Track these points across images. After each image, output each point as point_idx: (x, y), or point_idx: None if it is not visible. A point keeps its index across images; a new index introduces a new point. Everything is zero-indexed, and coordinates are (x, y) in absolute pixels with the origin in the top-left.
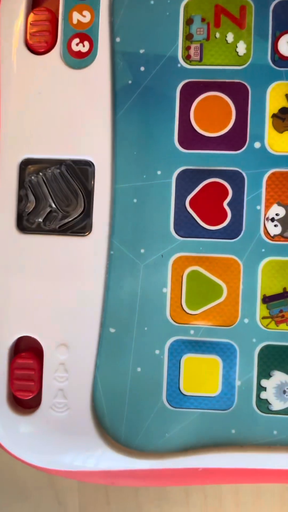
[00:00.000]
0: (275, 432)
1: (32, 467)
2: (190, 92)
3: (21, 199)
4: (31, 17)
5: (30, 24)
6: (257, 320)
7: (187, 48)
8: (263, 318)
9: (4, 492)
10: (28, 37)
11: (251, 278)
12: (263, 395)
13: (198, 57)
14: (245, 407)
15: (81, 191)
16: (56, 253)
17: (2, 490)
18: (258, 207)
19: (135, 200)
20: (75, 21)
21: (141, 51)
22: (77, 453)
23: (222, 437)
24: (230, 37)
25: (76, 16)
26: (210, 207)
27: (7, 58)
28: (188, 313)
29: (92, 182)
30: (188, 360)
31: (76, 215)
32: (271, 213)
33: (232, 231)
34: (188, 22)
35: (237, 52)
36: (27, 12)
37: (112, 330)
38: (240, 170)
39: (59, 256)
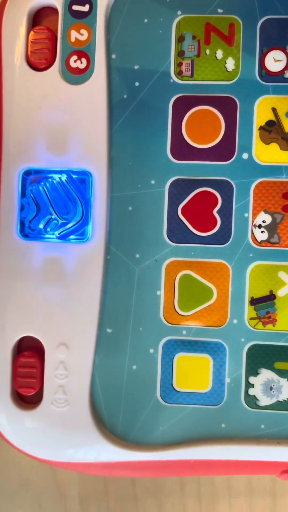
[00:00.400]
0: (262, 426)
1: (34, 459)
2: (182, 106)
3: (23, 207)
4: (32, 35)
5: (31, 42)
6: (245, 321)
7: (179, 64)
8: (251, 319)
9: (8, 484)
10: (29, 55)
11: (239, 281)
12: (251, 391)
13: (189, 73)
14: (234, 403)
15: (79, 200)
16: (56, 258)
17: (6, 482)
18: (246, 215)
19: (130, 208)
20: (73, 39)
21: (136, 67)
22: (76, 446)
23: (212, 431)
24: (219, 54)
25: (74, 35)
26: (201, 215)
27: (9, 74)
28: (180, 315)
29: (90, 191)
30: (181, 358)
31: (75, 222)
32: (258, 220)
33: (222, 237)
34: (180, 39)
35: (226, 68)
36: (28, 30)
37: (109, 330)
38: (229, 180)
39: (59, 261)
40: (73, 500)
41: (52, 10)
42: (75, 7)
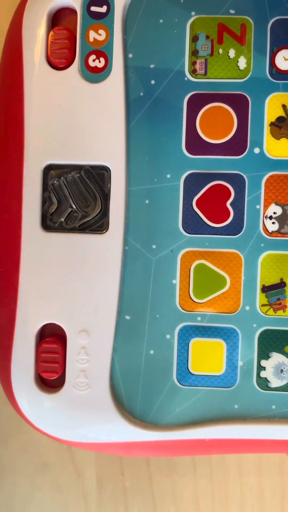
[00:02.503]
0: (273, 406)
1: (53, 442)
2: (196, 103)
3: (45, 201)
4: (51, 35)
5: (51, 42)
6: (257, 308)
7: (193, 63)
8: (263, 305)
9: (27, 467)
10: (49, 54)
11: (251, 270)
12: (263, 374)
13: (203, 71)
14: (247, 385)
15: (98, 193)
16: (77, 249)
17: (26, 465)
18: (257, 207)
19: (147, 201)
20: (91, 39)
21: (152, 66)
22: (97, 427)
23: (226, 412)
24: (232, 53)
25: (92, 35)
26: (215, 207)
27: (30, 73)
28: (195, 302)
29: (109, 185)
30: (196, 343)
31: (94, 215)
32: (269, 211)
33: (235, 228)
34: (194, 39)
35: (238, 67)
36: (47, 31)
37: (127, 317)
38: (241, 173)
39: (80, 252)
40: (90, 481)
41: (71, 11)
42: (93, 8)
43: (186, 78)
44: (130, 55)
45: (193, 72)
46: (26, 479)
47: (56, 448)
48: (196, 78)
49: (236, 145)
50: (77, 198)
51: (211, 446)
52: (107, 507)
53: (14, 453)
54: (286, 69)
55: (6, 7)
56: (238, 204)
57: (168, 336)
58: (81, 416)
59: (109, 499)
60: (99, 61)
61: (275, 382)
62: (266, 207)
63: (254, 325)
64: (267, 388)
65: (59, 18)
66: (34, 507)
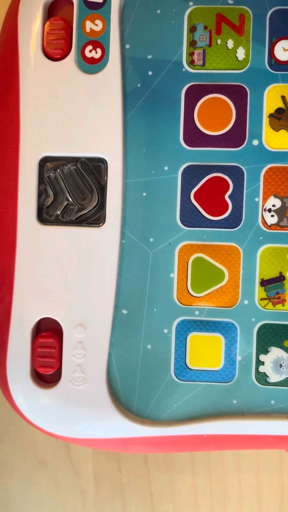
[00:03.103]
0: (272, 401)
1: (50, 439)
2: (194, 94)
3: (41, 194)
4: (48, 26)
5: (47, 32)
6: (255, 302)
7: (191, 54)
8: (261, 299)
9: (24, 464)
10: (45, 45)
11: (250, 263)
12: (262, 368)
13: (201, 62)
14: (245, 380)
15: (95, 186)
16: (73, 242)
17: (23, 462)
18: (256, 199)
19: (144, 194)
20: (88, 30)
21: (149, 56)
22: (94, 422)
23: (224, 407)
24: (230, 44)
25: (89, 25)
26: (213, 200)
27: (26, 63)
28: (193, 296)
29: (105, 178)
30: (194, 337)
31: (91, 208)
32: (268, 204)
33: (233, 221)
34: (192, 30)
35: (237, 57)
36: (44, 21)
37: (124, 311)
38: (240, 166)
39: (76, 245)
40: (87, 478)
41: (67, 1)
42: None
43: (184, 69)
44: (127, 46)
45: (191, 63)
46: (23, 476)
47: (53, 445)
48: (194, 69)
49: (235, 137)
50: (73, 191)
51: (209, 441)
52: (105, 504)
53: (11, 450)
54: (285, 59)
55: None
56: (237, 197)
57: (165, 331)
58: (77, 411)
59: (106, 496)
60: (96, 52)
61: (274, 377)
62: (265, 199)
63: (253, 319)
64: (266, 383)
65: (55, 9)
66: (31, 504)
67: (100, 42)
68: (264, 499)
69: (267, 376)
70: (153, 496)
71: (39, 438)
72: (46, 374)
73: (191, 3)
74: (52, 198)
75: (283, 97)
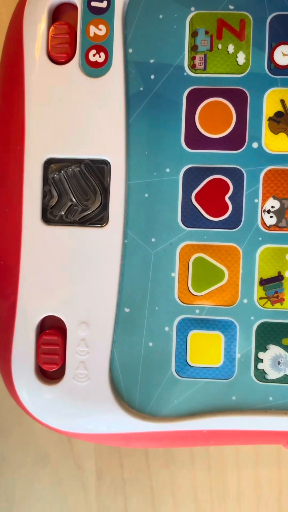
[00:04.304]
0: (270, 398)
1: (53, 434)
2: (195, 97)
3: (45, 195)
4: (52, 30)
5: (51, 37)
6: (254, 300)
7: (192, 58)
8: (260, 298)
9: (27, 459)
10: (49, 49)
11: (249, 263)
12: (260, 366)
13: (202, 66)
14: (244, 377)
15: (98, 187)
16: (77, 242)
17: (26, 457)
18: (255, 201)
19: (146, 195)
20: (92, 34)
21: (151, 61)
22: (96, 418)
23: (224, 403)
24: (231, 48)
25: (92, 30)
26: (213, 201)
27: (31, 67)
28: (194, 295)
29: (108, 179)
30: (194, 335)
31: (94, 209)
32: (267, 205)
33: (233, 222)
34: (193, 34)
35: (237, 62)
36: (48, 26)
37: (127, 309)
38: (240, 168)
39: (80, 245)
40: (90, 472)
41: (71, 6)
42: (93, 3)
43: (185, 73)
44: (130, 50)
45: (193, 67)
46: (26, 470)
47: (56, 440)
48: (196, 73)
49: (235, 139)
50: (77, 192)
51: (208, 437)
52: (106, 498)
53: (14, 445)
54: (284, 64)
55: (6, 2)
56: (237, 198)
57: (167, 329)
58: (80, 407)
59: (108, 490)
60: (99, 56)
61: (272, 374)
62: (264, 201)
63: (252, 318)
64: (265, 380)
65: (59, 13)
66: (34, 498)
67: (103, 46)
68: (263, 494)
69: (266, 373)
70: (154, 490)
71: (42, 433)
72: (50, 371)
73: (192, 8)
74: (56, 199)
75: (282, 101)
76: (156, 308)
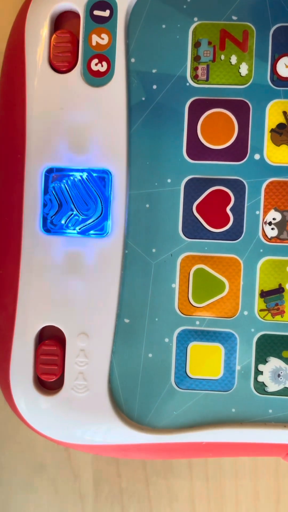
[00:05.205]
0: (270, 411)
1: (50, 444)
2: (197, 108)
3: (46, 204)
4: (54, 39)
5: (53, 45)
6: (255, 312)
7: (195, 69)
8: (261, 310)
9: (24, 468)
10: (51, 57)
11: (250, 275)
12: (260, 378)
13: (205, 77)
14: (244, 389)
15: (99, 197)
16: (77, 252)
17: (23, 466)
18: (257, 212)
19: (147, 205)
20: (94, 43)
21: (154, 71)
22: (95, 429)
23: (223, 415)
24: (233, 59)
25: (95, 39)
26: (215, 212)
27: (32, 76)
28: (194, 306)
29: (110, 189)
30: (194, 347)
31: (94, 218)
32: (269, 217)
33: (234, 233)
34: (196, 45)
35: (240, 73)
36: (50, 34)
37: (126, 320)
38: (241, 179)
39: (80, 255)
40: (87, 482)
41: (74, 14)
42: (96, 12)
43: (187, 84)
44: (133, 60)
45: (195, 77)
46: (23, 480)
47: (53, 449)
48: (198, 83)
49: (237, 151)
50: (78, 201)
51: (207, 449)
52: (104, 508)
53: (11, 454)
54: (287, 76)
55: (8, 9)
56: (238, 210)
57: (166, 340)
58: (79, 418)
59: (105, 500)
60: (102, 65)
61: (272, 387)
62: (265, 213)
63: (252, 330)
64: (264, 392)
65: (62, 21)
66: (31, 508)
67: (105, 55)
68: (261, 505)
69: (266, 386)
70: (151, 500)
71: (39, 443)
72: (49, 381)
73: (195, 19)
74: (57, 208)
75: (284, 113)
76: (156, 319)
